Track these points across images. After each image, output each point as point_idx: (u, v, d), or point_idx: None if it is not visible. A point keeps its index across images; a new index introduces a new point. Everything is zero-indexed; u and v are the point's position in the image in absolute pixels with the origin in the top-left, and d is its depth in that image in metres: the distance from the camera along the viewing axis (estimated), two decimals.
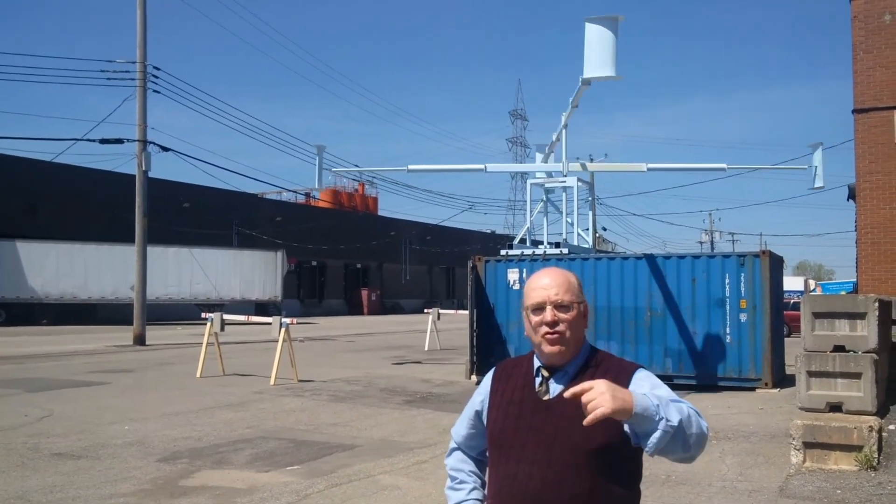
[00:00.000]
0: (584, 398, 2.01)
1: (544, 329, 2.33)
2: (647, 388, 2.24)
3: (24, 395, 13.46)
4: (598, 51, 14.28)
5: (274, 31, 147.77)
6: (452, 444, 2.67)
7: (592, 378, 2.28)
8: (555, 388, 2.35)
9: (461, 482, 2.59)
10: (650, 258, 16.05)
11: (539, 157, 21.20)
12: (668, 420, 2.03)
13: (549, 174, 19.40)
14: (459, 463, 2.63)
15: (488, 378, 2.56)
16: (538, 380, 2.39)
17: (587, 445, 2.15)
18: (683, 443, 2.08)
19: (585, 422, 2.00)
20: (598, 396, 1.98)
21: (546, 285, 2.37)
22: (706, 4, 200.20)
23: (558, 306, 2.33)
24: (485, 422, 2.49)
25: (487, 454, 2.51)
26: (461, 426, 2.63)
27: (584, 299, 2.43)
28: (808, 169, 17.30)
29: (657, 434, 2.04)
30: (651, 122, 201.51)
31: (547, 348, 2.33)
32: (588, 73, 14.46)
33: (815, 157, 17.64)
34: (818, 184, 17.35)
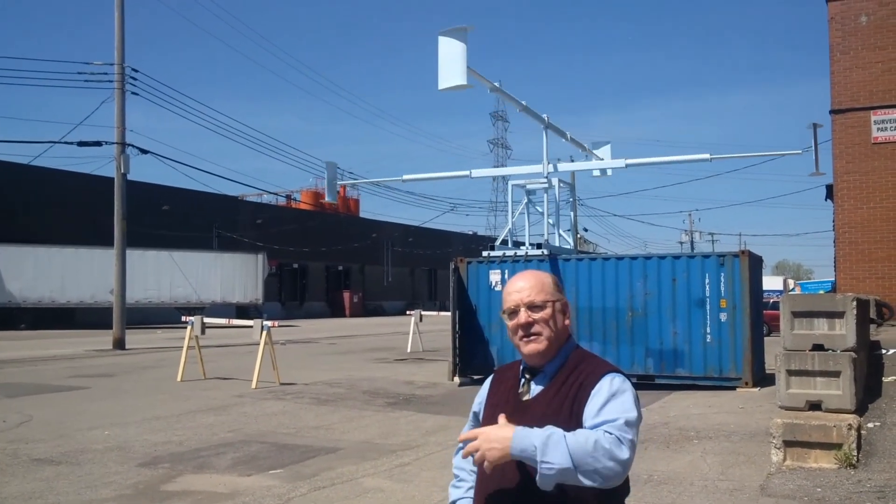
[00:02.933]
0: (469, 448, 2.25)
1: (520, 332, 2.42)
2: (597, 403, 2.28)
3: (3, 400, 13.31)
4: (450, 62, 13.84)
5: (253, 31, 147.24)
6: (459, 445, 2.73)
7: (566, 380, 2.39)
8: (535, 389, 2.44)
9: (461, 480, 2.66)
10: (631, 259, 16.13)
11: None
12: (548, 463, 2.13)
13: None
14: (463, 462, 2.69)
15: (487, 381, 2.67)
16: (522, 381, 2.47)
17: None
18: (579, 479, 2.14)
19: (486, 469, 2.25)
20: (480, 449, 2.21)
21: (519, 288, 2.46)
22: (681, 8, 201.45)
23: (531, 307, 2.42)
24: (480, 423, 2.58)
25: None
26: (466, 428, 2.71)
27: (562, 297, 2.49)
28: (803, 153, 16.66)
29: (539, 475, 2.15)
30: (629, 123, 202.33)
31: (525, 349, 2.42)
32: (442, 84, 13.94)
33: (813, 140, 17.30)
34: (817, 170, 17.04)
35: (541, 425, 2.24)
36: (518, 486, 2.30)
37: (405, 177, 20.66)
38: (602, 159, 21.15)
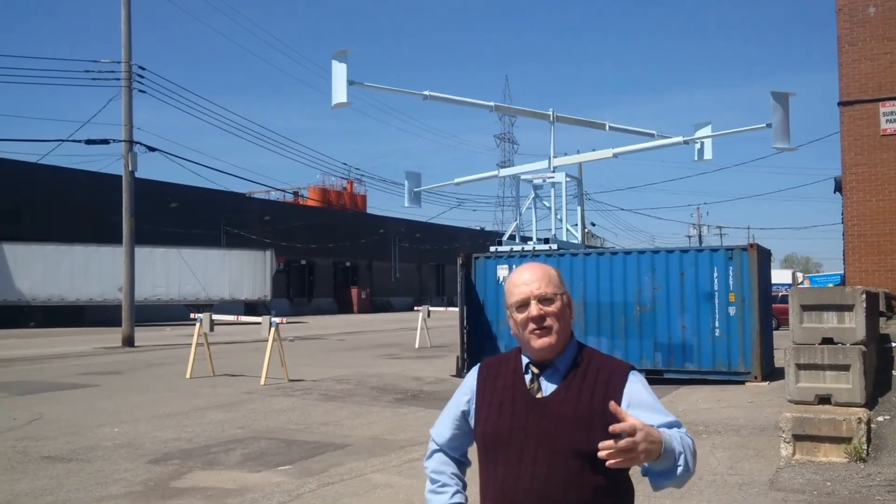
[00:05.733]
0: (620, 444, 2.03)
1: (531, 325, 2.31)
2: (647, 404, 2.29)
3: (13, 398, 13.38)
4: (338, 82, 15.39)
5: (259, 28, 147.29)
6: (433, 446, 2.60)
7: (584, 377, 2.31)
8: (546, 386, 2.33)
9: (444, 485, 2.51)
10: (639, 253, 16.10)
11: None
12: (685, 468, 2.17)
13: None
14: (441, 465, 2.55)
15: (472, 377, 2.51)
16: (528, 377, 2.36)
17: (589, 447, 2.12)
18: (679, 481, 2.21)
19: (609, 464, 2.05)
20: (640, 445, 2.04)
21: (527, 280, 2.36)
22: (684, 1, 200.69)
23: (542, 300, 2.32)
24: (472, 422, 2.46)
25: (475, 455, 2.49)
26: (444, 427, 2.56)
27: (567, 290, 2.41)
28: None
29: (672, 478, 2.17)
30: (632, 117, 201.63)
31: (536, 343, 2.31)
32: (335, 101, 15.83)
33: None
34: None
35: (571, 426, 2.21)
36: (560, 482, 2.22)
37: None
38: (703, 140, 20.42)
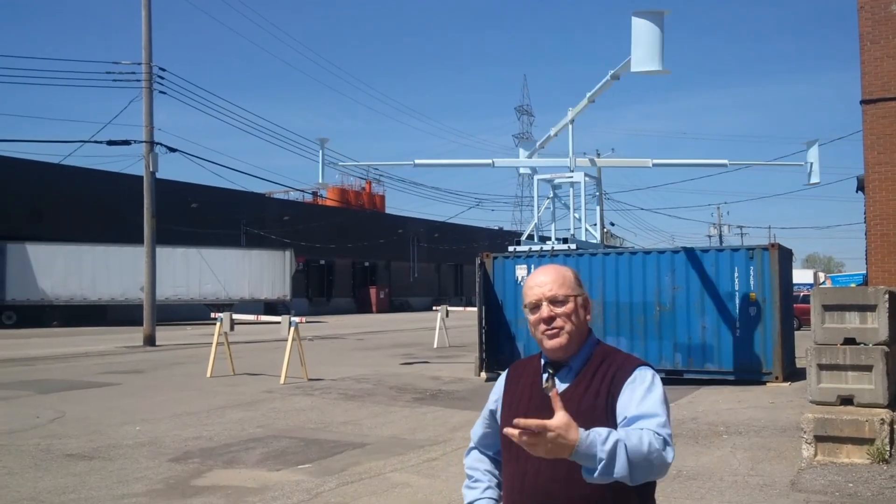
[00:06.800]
0: (523, 439, 1.98)
1: (542, 326, 2.39)
2: (634, 395, 2.25)
3: (36, 396, 13.53)
4: (644, 46, 13.90)
5: (278, 29, 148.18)
6: (471, 444, 2.73)
7: (594, 375, 2.35)
8: (559, 385, 2.38)
9: (476, 481, 2.63)
10: (659, 253, 16.02)
11: (523, 153, 21.23)
12: (608, 476, 2.02)
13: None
14: (476, 462, 2.67)
15: (502, 378, 2.61)
16: (544, 376, 2.43)
17: None
18: (624, 480, 2.06)
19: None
20: (550, 442, 1.97)
21: (540, 283, 2.43)
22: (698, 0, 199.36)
23: (553, 301, 2.39)
24: (499, 421, 2.53)
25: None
26: (478, 426, 2.69)
27: (583, 292, 2.46)
28: (803, 165, 17.84)
29: (592, 479, 2.03)
30: (650, 117, 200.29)
31: (548, 343, 2.39)
32: (636, 67, 14.14)
33: (809, 153, 17.88)
34: (814, 180, 17.70)
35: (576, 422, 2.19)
36: (562, 478, 2.24)
37: (416, 161, 20.55)
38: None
